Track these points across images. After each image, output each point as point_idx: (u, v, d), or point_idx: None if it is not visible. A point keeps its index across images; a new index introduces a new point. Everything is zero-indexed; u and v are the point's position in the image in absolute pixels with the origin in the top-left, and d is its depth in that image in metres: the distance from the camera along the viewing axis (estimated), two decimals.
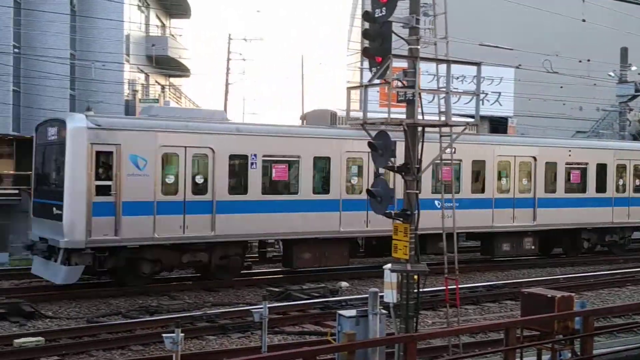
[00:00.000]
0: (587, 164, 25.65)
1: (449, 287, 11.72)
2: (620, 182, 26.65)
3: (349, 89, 11.96)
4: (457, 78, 32.06)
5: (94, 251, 17.31)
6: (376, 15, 10.23)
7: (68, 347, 13.06)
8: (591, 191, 25.67)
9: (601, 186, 25.96)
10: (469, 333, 13.76)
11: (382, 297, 10.48)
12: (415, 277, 10.35)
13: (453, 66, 10.57)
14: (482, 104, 27.57)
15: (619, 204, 26.32)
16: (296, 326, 15.26)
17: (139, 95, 37.79)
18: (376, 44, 10.29)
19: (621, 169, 26.67)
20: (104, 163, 17.63)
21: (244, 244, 20.26)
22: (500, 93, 38.92)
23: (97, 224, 17.19)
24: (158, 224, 17.85)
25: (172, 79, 49.04)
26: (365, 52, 10.53)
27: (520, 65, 32.93)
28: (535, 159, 24.36)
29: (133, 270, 18.29)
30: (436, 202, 19.86)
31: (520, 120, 40.22)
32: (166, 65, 41.77)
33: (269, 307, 11.71)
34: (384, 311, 10.17)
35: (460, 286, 12.72)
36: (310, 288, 18.71)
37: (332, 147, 20.54)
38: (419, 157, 10.41)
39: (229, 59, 46.46)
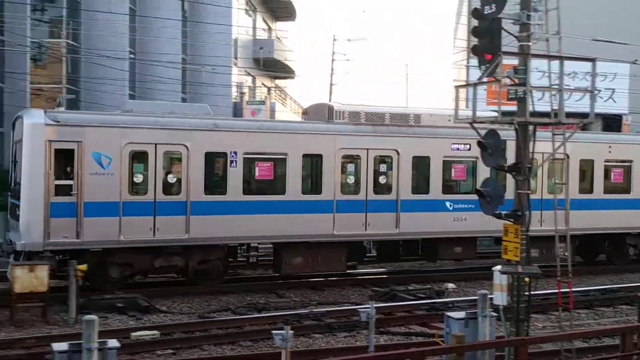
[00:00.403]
0: None
1: (562, 290, 11.36)
2: None
3: (457, 87, 11.82)
4: (569, 74, 30.91)
5: (54, 254, 16.57)
6: (485, 13, 10.06)
7: (181, 341, 13.55)
8: None
9: None
10: (582, 338, 13.29)
11: (491, 299, 10.30)
12: (527, 279, 10.11)
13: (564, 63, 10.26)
14: (595, 101, 26.12)
15: None
16: (402, 327, 15.21)
17: (246, 98, 38.66)
18: (485, 42, 10.12)
19: None
20: (64, 161, 16.63)
21: (225, 248, 18.70)
22: (614, 90, 37.31)
23: (56, 225, 16.26)
24: (124, 226, 16.79)
25: (277, 81, 49.90)
26: (474, 50, 10.37)
27: (637, 60, 31.44)
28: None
29: (101, 274, 17.22)
30: (447, 204, 20.09)
31: (635, 118, 38.40)
32: (272, 67, 42.52)
33: (375, 307, 11.73)
34: (493, 314, 10.00)
35: (572, 289, 12.30)
36: (416, 289, 18.58)
37: (324, 144, 18.93)
38: (530, 155, 10.16)
39: (333, 60, 46.83)
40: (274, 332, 9.22)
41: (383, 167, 19.71)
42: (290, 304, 17.22)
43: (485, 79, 10.37)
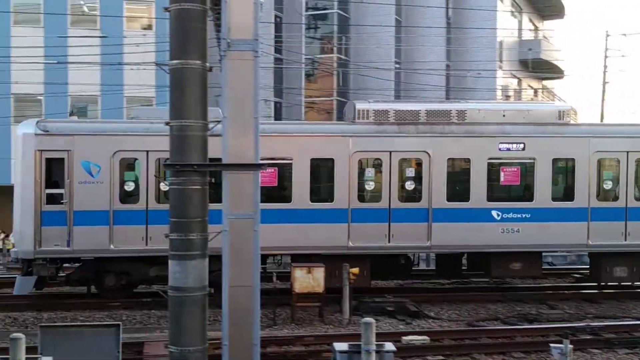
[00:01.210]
0: None
1: None
2: None
3: None
4: None
5: (46, 262, 16.41)
6: None
7: (451, 348, 13.52)
8: None
9: None
10: None
11: None
12: None
13: None
14: None
15: None
16: None
17: (511, 100, 37.73)
18: None
19: None
20: (55, 170, 16.48)
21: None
22: None
23: (47, 233, 16.19)
24: (115, 235, 16.40)
25: (544, 82, 47.98)
26: None
27: None
28: None
29: (98, 282, 17.20)
30: (494, 213, 17.29)
31: None
32: (539, 68, 41.02)
33: None
34: None
35: None
36: None
37: (336, 147, 17.02)
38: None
39: (605, 57, 43.87)
40: (552, 345, 8.83)
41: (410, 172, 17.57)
42: (563, 316, 16.39)
43: None
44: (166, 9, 7.83)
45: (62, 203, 16.43)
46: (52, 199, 16.47)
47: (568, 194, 17.77)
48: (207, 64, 7.92)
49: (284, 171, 17.15)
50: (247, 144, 8.13)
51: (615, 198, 17.87)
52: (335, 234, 17.00)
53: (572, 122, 17.99)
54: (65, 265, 17.88)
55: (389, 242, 17.24)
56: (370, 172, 17.42)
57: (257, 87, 8.07)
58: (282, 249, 17.31)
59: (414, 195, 17.45)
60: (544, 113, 17.85)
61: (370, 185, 17.43)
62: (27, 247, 16.30)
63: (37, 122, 16.85)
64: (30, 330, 13.61)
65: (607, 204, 17.85)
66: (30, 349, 6.96)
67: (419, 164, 17.45)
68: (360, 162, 17.29)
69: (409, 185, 17.44)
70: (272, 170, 16.93)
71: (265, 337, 12.63)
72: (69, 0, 31.21)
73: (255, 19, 7.92)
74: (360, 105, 17.64)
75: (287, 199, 17.06)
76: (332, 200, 17.16)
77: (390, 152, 17.33)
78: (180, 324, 7.82)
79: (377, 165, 17.45)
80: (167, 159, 16.98)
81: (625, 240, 17.64)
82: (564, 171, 17.91)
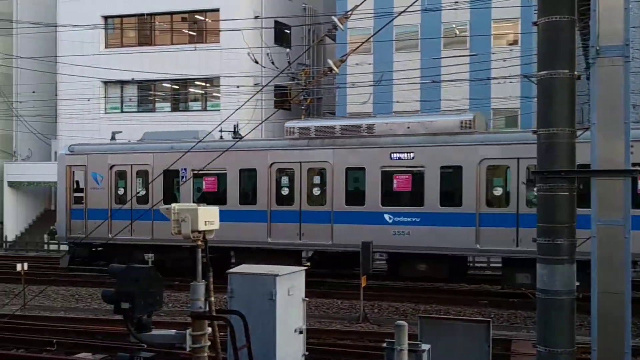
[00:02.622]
0: None
1: None
2: None
3: None
4: None
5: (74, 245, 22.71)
6: None
7: None
8: None
9: None
10: None
11: None
12: None
13: None
14: None
15: None
16: None
17: None
18: None
19: None
20: (77, 179, 23.00)
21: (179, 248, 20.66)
22: None
23: (73, 225, 22.60)
24: (113, 227, 21.24)
25: None
26: None
27: None
28: None
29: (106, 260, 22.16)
30: (386, 217, 18.64)
31: None
32: None
33: None
34: None
35: None
36: None
37: (258, 160, 20.44)
38: None
39: None
40: None
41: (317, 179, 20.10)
42: None
43: None
44: (534, 23, 8.18)
45: (81, 203, 22.70)
46: (77, 200, 22.79)
47: (456, 199, 18.23)
48: (575, 73, 8.06)
49: (221, 180, 21.15)
50: (617, 149, 8.07)
51: (506, 204, 17.74)
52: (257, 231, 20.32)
53: (478, 130, 18.42)
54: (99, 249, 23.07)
55: (300, 239, 19.88)
56: (285, 179, 20.40)
57: (628, 92, 7.99)
58: (223, 243, 19.58)
59: (320, 199, 19.94)
60: (446, 123, 18.79)
61: (285, 191, 20.38)
62: (62, 234, 23.13)
63: (69, 146, 23.54)
64: (410, 319, 14.97)
65: (496, 210, 17.86)
66: (411, 336, 7.82)
67: (323, 173, 19.88)
68: (277, 172, 20.42)
69: (316, 191, 20.07)
70: (213, 179, 21.26)
71: (635, 347, 12.10)
72: (442, 25, 33.23)
73: (625, 24, 7.84)
74: (288, 124, 21.02)
75: (223, 201, 20.35)
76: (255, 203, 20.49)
77: (301, 162, 20.12)
78: (548, 325, 8.04)
79: (291, 174, 20.31)
80: (142, 170, 22.69)
81: (517, 246, 17.32)
82: (452, 178, 18.37)
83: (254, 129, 19.22)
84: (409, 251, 18.98)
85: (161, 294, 6.69)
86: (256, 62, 30.88)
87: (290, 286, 9.18)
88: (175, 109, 38.03)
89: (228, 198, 20.73)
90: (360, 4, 9.60)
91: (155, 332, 6.57)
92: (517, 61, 30.34)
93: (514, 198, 17.68)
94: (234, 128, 23.93)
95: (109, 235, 20.97)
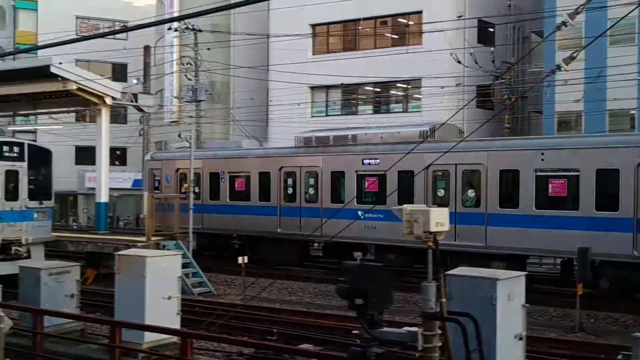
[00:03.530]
0: None
1: None
2: None
3: None
4: None
5: None
6: None
7: None
8: None
9: None
10: None
11: None
12: None
13: None
14: None
15: None
16: None
17: None
18: None
19: None
20: (157, 180, 28.88)
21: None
22: None
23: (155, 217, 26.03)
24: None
25: None
26: None
27: None
28: None
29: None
30: (359, 213, 21.69)
31: None
32: None
33: None
34: None
35: None
36: None
37: (271, 164, 25.78)
38: None
39: None
40: None
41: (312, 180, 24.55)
42: None
43: None
44: None
45: (159, 199, 25.71)
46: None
47: (409, 200, 20.68)
48: None
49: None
50: None
51: (447, 204, 20.07)
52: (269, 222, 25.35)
53: (438, 139, 21.34)
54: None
55: (300, 231, 24.18)
56: (290, 181, 25.05)
57: None
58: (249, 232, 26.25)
59: (313, 197, 24.34)
60: (408, 134, 22.21)
61: (290, 190, 24.99)
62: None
63: (152, 153, 30.51)
64: (630, 330, 14.08)
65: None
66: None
67: (315, 175, 24.23)
68: (285, 173, 25.22)
69: (311, 191, 24.52)
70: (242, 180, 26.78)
71: None
72: None
73: None
74: (296, 135, 26.01)
75: (248, 198, 26.20)
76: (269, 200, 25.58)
77: (300, 167, 24.72)
78: None
79: (294, 177, 24.90)
80: (198, 173, 27.35)
81: (455, 240, 19.71)
82: (406, 181, 21.46)
83: (441, 124, 20.68)
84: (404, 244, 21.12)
85: (391, 292, 6.87)
86: (459, 62, 30.53)
87: (510, 291, 9.03)
88: (377, 111, 38.60)
89: (251, 196, 25.95)
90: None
91: (386, 329, 6.76)
92: None
93: (452, 198, 20.83)
94: (430, 130, 23.83)
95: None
